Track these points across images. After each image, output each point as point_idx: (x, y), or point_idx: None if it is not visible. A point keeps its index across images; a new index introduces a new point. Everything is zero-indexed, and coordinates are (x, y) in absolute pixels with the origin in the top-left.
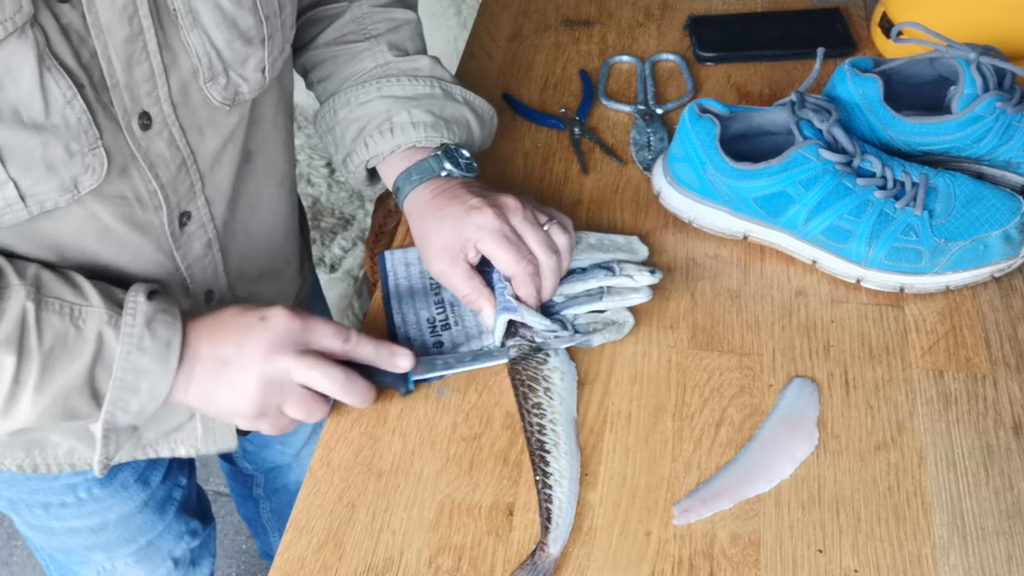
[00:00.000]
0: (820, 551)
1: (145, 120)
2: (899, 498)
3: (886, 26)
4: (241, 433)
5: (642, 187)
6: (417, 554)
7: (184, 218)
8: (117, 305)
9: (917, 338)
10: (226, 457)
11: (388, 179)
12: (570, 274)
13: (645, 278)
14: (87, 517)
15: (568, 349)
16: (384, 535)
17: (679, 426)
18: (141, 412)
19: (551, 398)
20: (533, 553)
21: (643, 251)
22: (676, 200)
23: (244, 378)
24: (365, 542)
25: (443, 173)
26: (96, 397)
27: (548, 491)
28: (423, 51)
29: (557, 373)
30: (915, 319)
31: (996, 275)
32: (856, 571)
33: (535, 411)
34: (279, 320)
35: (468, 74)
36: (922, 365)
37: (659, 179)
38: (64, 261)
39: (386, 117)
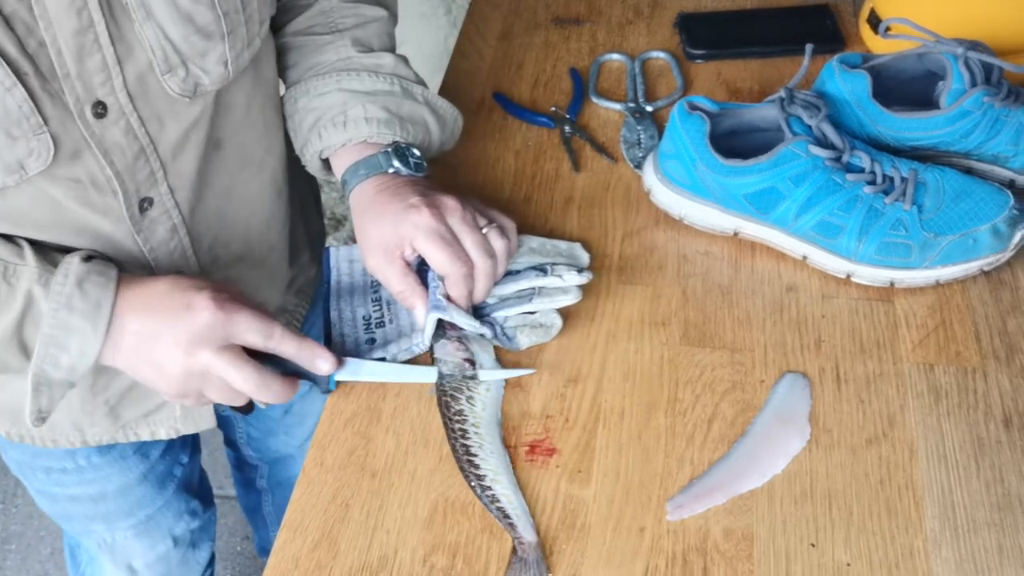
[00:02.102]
0: (813, 545)
1: (99, 109)
2: (891, 491)
3: (874, 22)
4: (245, 412)
5: (633, 184)
6: (411, 552)
7: (145, 204)
8: (52, 266)
9: (907, 332)
10: (230, 443)
11: (338, 171)
12: (505, 275)
13: (573, 278)
14: (87, 485)
15: (497, 353)
16: (378, 534)
17: (672, 422)
18: (73, 369)
19: (473, 405)
20: (514, 551)
21: (584, 258)
22: (667, 197)
23: (165, 363)
24: (359, 541)
25: (390, 170)
26: (26, 351)
27: (490, 491)
28: (390, 49)
29: (483, 385)
30: (905, 313)
31: (985, 269)
32: (849, 564)
33: (457, 418)
34: (203, 312)
35: (458, 73)
36: (913, 359)
37: (650, 176)
38: (19, 231)
39: (341, 110)
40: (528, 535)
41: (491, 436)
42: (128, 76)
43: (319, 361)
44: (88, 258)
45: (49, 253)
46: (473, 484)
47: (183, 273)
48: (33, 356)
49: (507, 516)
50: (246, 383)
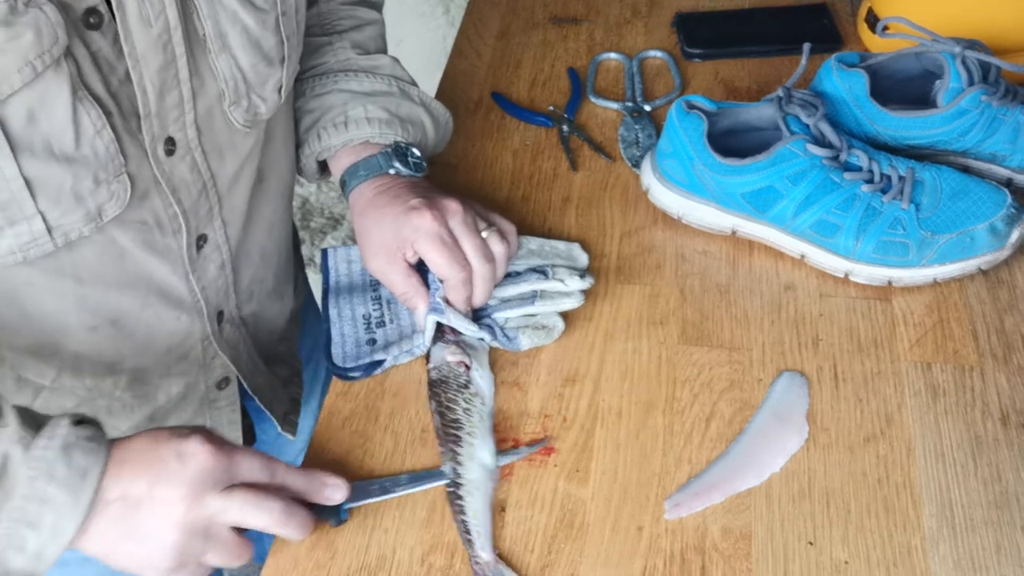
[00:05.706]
0: (811, 543)
1: (170, 145)
2: (888, 490)
3: (872, 21)
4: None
5: (631, 184)
6: (410, 552)
7: (201, 241)
8: (36, 428)
9: (905, 331)
10: None
11: (336, 172)
12: (506, 277)
13: (576, 283)
14: (102, 566)
15: (489, 359)
16: (376, 533)
17: (669, 421)
18: (39, 556)
19: (471, 416)
20: (475, 573)
21: (583, 259)
22: (665, 196)
23: (160, 528)
24: (357, 541)
25: (391, 171)
26: None
27: (460, 503)
28: (384, 52)
29: (478, 398)
30: (903, 312)
31: (983, 267)
32: (846, 563)
33: (452, 426)
34: (200, 457)
35: (456, 72)
36: (910, 358)
37: (648, 175)
38: (79, 289)
39: (341, 110)
40: (486, 555)
41: (481, 447)
42: (199, 110)
43: (329, 490)
44: (79, 422)
45: (34, 412)
46: (450, 489)
47: (223, 312)
48: None
49: (467, 532)
50: (268, 515)
